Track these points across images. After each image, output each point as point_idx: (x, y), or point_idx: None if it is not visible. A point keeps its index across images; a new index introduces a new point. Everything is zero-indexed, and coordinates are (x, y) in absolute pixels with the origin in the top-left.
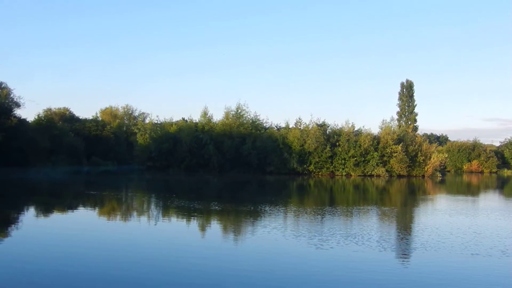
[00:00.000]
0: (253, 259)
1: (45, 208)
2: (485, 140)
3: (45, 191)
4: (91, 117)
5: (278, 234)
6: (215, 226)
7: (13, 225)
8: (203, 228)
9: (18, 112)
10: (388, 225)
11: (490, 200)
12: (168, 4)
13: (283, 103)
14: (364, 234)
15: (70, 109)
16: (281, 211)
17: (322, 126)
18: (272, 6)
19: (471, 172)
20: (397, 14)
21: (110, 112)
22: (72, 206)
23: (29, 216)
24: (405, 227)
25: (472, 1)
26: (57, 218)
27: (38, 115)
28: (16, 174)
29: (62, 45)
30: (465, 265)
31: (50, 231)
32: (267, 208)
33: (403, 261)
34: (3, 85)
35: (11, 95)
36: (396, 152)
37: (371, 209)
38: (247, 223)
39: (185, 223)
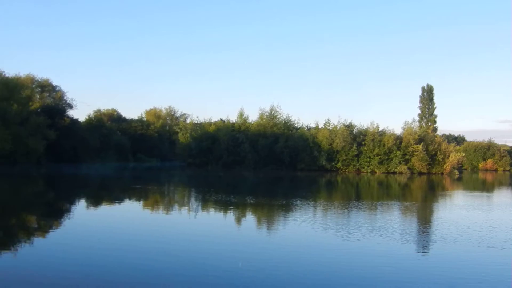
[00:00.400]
0: (283, 251)
1: (95, 201)
2: (499, 141)
3: (95, 185)
4: (136, 118)
5: (308, 227)
6: (249, 219)
7: (65, 215)
8: (238, 221)
9: (71, 113)
10: (409, 219)
11: (504, 196)
12: (206, 6)
13: (313, 105)
14: (388, 227)
15: (118, 110)
16: (311, 205)
17: (349, 127)
18: (301, 9)
19: (486, 170)
20: (411, 19)
21: (154, 113)
22: (119, 199)
23: (79, 208)
24: (425, 221)
25: (483, 4)
26: (105, 209)
27: (88, 116)
28: (69, 169)
29: (109, 50)
30: (481, 256)
31: (96, 223)
32: (298, 202)
33: (424, 253)
34: (57, 88)
35: (64, 97)
36: (417, 151)
37: (394, 204)
38: (279, 216)
39: (221, 216)
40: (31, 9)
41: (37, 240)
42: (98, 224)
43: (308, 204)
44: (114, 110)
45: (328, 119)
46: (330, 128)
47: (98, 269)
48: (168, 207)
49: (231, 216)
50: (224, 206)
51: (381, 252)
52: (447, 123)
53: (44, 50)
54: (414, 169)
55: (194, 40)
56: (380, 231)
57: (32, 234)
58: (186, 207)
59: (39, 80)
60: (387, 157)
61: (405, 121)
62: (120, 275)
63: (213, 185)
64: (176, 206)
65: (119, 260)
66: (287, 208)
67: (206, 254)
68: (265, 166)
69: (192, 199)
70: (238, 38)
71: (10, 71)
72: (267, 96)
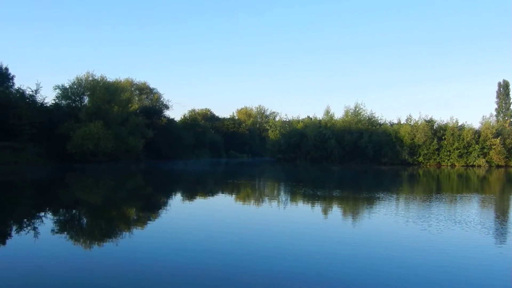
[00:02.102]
0: (364, 242)
1: (190, 194)
2: None
3: (190, 180)
4: (229, 116)
5: (390, 220)
6: (334, 211)
7: (162, 208)
8: (325, 213)
9: (167, 113)
10: (490, 212)
11: None
12: (294, 9)
13: (395, 101)
14: (469, 220)
15: (211, 110)
16: (393, 197)
17: (430, 122)
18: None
19: None
20: (486, 16)
21: (245, 112)
22: (212, 192)
23: (175, 201)
24: (505, 213)
25: None
26: (199, 202)
27: (184, 115)
28: (166, 165)
29: (201, 53)
30: None
31: (191, 215)
32: (381, 195)
33: (502, 244)
34: (154, 91)
35: (161, 99)
36: (495, 144)
37: (474, 196)
38: (362, 209)
39: (309, 208)
40: (125, 13)
41: (136, 231)
42: (193, 217)
43: (391, 197)
44: (207, 110)
45: (410, 115)
46: (412, 124)
47: (192, 259)
48: (260, 200)
49: (317, 208)
50: (311, 199)
51: (464, 245)
52: None
53: (144, 55)
54: (492, 162)
55: (281, 43)
56: (462, 223)
57: (131, 225)
58: (276, 200)
59: (137, 83)
60: (466, 150)
61: (483, 116)
62: (213, 265)
63: (302, 179)
64: (267, 199)
65: (211, 250)
66: (370, 201)
67: (291, 241)
68: (350, 160)
69: (282, 192)
70: (323, 40)
71: (111, 76)
72: (352, 93)
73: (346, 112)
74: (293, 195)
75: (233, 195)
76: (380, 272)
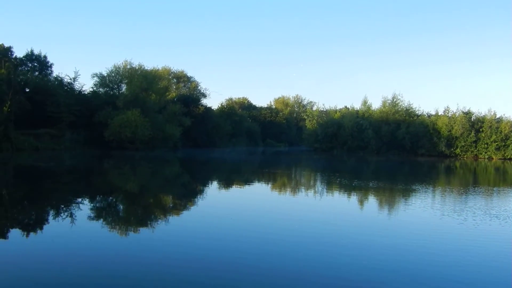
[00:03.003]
0: (396, 237)
1: (227, 183)
2: None
3: (227, 168)
4: (266, 105)
5: (425, 213)
6: (370, 202)
7: (197, 196)
8: (361, 204)
9: (205, 101)
10: None
11: None
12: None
13: (433, 92)
14: (507, 215)
15: (248, 99)
16: (430, 190)
17: (467, 114)
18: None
19: None
20: None
21: (282, 101)
22: (249, 181)
23: (211, 189)
24: None
25: None
26: (235, 191)
27: (221, 104)
28: (203, 153)
29: (238, 40)
30: None
31: (227, 204)
32: (417, 187)
33: None
34: (191, 79)
35: (199, 87)
36: None
37: (511, 190)
38: (397, 201)
39: (345, 199)
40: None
41: (172, 219)
42: (229, 205)
43: (427, 189)
44: (245, 99)
45: (448, 107)
46: (449, 115)
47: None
48: (296, 190)
49: (353, 199)
50: (347, 189)
51: (501, 240)
52: None
53: (182, 45)
54: None
55: (319, 32)
56: (500, 218)
57: (167, 213)
58: (312, 190)
59: (175, 71)
60: (504, 143)
61: None
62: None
63: (338, 169)
64: (303, 188)
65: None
66: (406, 193)
67: (321, 236)
68: (387, 151)
69: (318, 183)
70: (360, 29)
71: (149, 64)
72: (390, 83)
73: (384, 103)
74: (329, 185)
75: (269, 185)
76: (413, 265)
